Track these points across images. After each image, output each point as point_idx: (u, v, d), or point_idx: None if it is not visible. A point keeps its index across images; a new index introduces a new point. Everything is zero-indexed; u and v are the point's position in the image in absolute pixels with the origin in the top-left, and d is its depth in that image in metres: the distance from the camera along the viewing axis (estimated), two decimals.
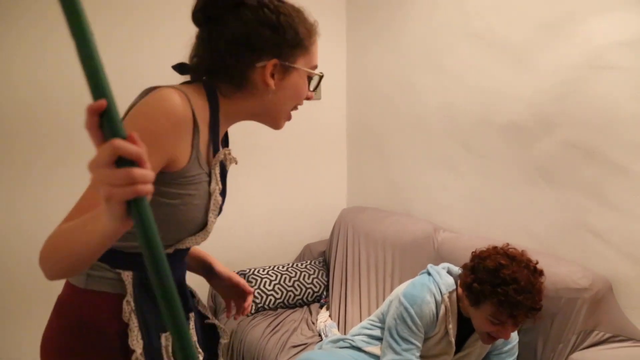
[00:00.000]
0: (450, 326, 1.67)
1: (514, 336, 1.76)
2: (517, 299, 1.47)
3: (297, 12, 1.07)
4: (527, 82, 2.03)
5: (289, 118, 1.11)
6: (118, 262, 0.99)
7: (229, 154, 1.08)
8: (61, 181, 2.17)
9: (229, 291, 1.38)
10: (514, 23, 2.05)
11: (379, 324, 1.83)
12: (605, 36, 1.76)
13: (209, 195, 1.03)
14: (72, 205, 0.83)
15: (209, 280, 1.39)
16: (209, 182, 1.03)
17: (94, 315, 1.00)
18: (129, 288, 0.99)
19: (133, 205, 0.59)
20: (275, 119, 1.10)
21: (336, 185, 3.13)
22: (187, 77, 1.07)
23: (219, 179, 1.05)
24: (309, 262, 2.75)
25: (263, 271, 2.58)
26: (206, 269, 1.37)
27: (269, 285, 2.52)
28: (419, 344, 1.65)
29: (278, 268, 2.64)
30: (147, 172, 0.59)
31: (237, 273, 2.56)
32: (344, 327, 2.35)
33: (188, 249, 1.08)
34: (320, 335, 2.30)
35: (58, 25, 2.23)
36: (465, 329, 1.71)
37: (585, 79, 1.84)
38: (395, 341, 1.65)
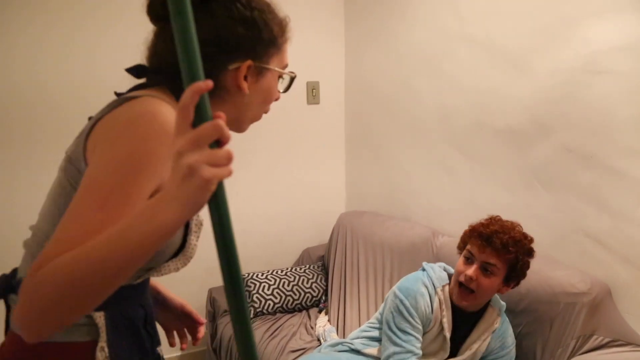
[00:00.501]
0: (445, 320, 1.68)
1: (511, 341, 1.76)
2: (491, 229, 1.60)
3: (269, 6, 0.95)
4: (524, 86, 2.03)
5: (258, 119, 1.01)
6: None
7: None
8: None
9: (178, 321, 1.22)
10: (510, 27, 2.06)
11: (378, 325, 1.84)
12: (601, 40, 1.77)
13: None
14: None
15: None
16: None
17: None
18: (102, 331, 0.86)
19: (218, 189, 0.60)
20: (241, 124, 0.99)
21: (335, 190, 3.13)
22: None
23: None
24: (307, 266, 2.75)
25: (262, 275, 2.58)
26: (154, 297, 1.18)
27: (268, 289, 2.52)
28: (418, 336, 1.66)
29: (277, 272, 2.64)
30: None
31: None
32: (342, 331, 2.35)
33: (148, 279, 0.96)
34: (319, 339, 2.29)
35: (58, 19, 2.23)
36: (461, 331, 1.71)
37: (581, 83, 1.84)
38: (394, 333, 1.66)
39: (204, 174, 0.57)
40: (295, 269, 2.70)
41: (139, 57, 0.94)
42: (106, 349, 0.87)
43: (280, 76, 0.98)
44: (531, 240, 1.65)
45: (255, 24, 0.90)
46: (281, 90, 1.01)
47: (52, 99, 2.24)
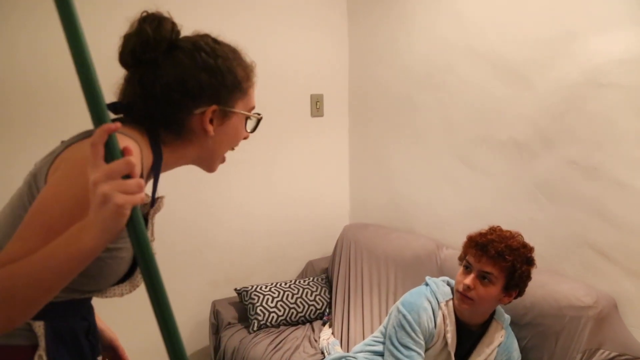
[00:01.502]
0: (449, 335, 1.67)
1: (516, 355, 1.75)
2: (488, 238, 1.61)
3: (234, 52, 1.01)
4: (528, 99, 2.04)
5: (223, 160, 1.07)
6: None
7: (162, 201, 1.04)
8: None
9: (104, 351, 1.23)
10: (513, 40, 2.07)
11: (382, 339, 1.83)
12: (604, 54, 1.78)
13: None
14: None
15: None
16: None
17: None
18: (41, 340, 0.90)
19: (133, 213, 0.70)
20: (211, 163, 1.06)
21: (338, 202, 3.13)
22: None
23: (153, 229, 1.00)
24: (311, 278, 2.75)
25: (265, 288, 2.57)
26: (108, 341, 1.26)
27: (272, 302, 2.51)
28: (420, 351, 1.65)
29: (280, 285, 2.63)
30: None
31: (240, 290, 2.55)
32: (346, 344, 2.33)
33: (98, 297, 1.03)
34: (322, 353, 2.28)
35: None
36: (465, 346, 1.70)
37: (585, 96, 1.85)
38: (396, 348, 1.66)
39: (117, 201, 0.67)
40: (299, 282, 2.69)
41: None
42: (44, 357, 0.91)
43: (247, 118, 1.05)
44: (531, 250, 1.64)
45: (218, 71, 0.96)
46: (249, 131, 1.07)
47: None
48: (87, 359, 1.01)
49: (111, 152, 0.69)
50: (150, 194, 1.02)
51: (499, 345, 1.69)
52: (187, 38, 0.98)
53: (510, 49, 2.09)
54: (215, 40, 1.00)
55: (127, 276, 0.99)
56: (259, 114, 1.07)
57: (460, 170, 2.38)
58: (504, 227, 1.69)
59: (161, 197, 1.05)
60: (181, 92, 0.93)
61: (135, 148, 0.84)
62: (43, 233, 0.76)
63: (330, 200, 3.09)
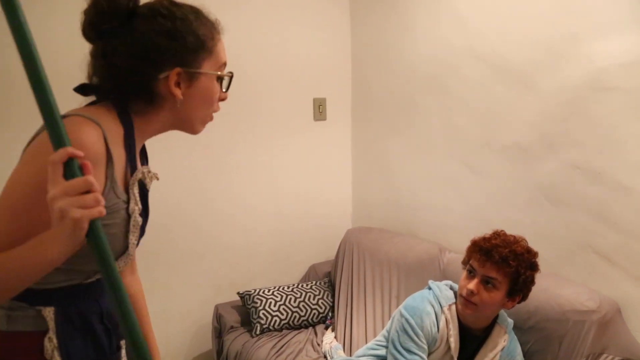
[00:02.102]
0: (452, 339, 1.66)
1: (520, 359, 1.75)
2: (492, 243, 1.60)
3: (196, 13, 1.00)
4: (530, 103, 2.04)
5: (209, 120, 1.06)
6: (37, 299, 0.95)
7: (148, 172, 1.03)
8: None
9: None
10: (516, 44, 2.07)
11: (385, 343, 1.83)
12: (607, 57, 1.78)
13: (128, 218, 0.98)
14: None
15: None
16: (127, 208, 0.98)
17: (16, 358, 0.95)
18: (51, 324, 0.95)
19: (92, 225, 0.74)
20: (191, 127, 1.05)
21: (341, 206, 3.13)
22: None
23: (138, 199, 1.00)
24: (314, 282, 2.74)
25: (268, 292, 2.57)
26: None
27: (274, 306, 2.51)
28: (423, 355, 1.65)
29: (283, 288, 2.63)
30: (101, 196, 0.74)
31: (242, 293, 2.56)
32: (349, 348, 2.33)
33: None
34: (325, 357, 2.28)
35: None
36: (468, 350, 1.70)
37: (588, 99, 1.84)
38: (399, 352, 1.66)
39: (73, 215, 0.71)
40: (302, 285, 2.69)
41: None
42: (55, 340, 0.95)
43: (219, 77, 1.03)
44: (535, 255, 1.63)
45: (178, 34, 0.95)
46: (224, 90, 1.06)
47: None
48: (101, 342, 1.03)
49: (70, 169, 0.73)
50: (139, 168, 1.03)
51: (502, 349, 1.69)
52: (145, 4, 0.98)
53: (512, 52, 2.09)
54: (173, 3, 0.99)
55: (124, 250, 1.02)
56: (230, 73, 1.06)
57: (463, 174, 2.38)
58: (507, 231, 1.69)
59: (141, 168, 1.03)
60: (141, 58, 0.94)
61: (90, 130, 0.87)
62: (8, 216, 0.82)
63: (333, 203, 3.09)
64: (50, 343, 0.94)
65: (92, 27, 0.94)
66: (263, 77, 2.72)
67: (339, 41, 2.98)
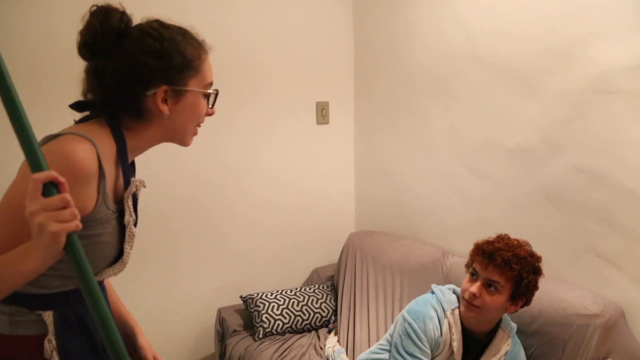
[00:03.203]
0: (455, 344, 1.66)
1: None
2: (495, 247, 1.60)
3: (184, 34, 1.06)
4: (534, 106, 2.04)
5: (194, 134, 1.13)
6: (36, 304, 1.00)
7: (139, 183, 1.09)
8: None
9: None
10: (519, 47, 2.07)
11: (388, 347, 1.83)
12: (610, 60, 1.77)
13: (120, 228, 1.05)
14: None
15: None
16: (118, 218, 1.04)
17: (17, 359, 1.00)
18: (50, 327, 1.00)
19: (70, 239, 0.78)
20: (181, 139, 1.11)
21: (344, 209, 3.13)
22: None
23: (132, 210, 1.06)
24: (317, 286, 2.74)
25: (271, 295, 2.57)
26: (128, 337, 1.30)
27: (277, 309, 2.51)
28: None
29: (286, 292, 2.63)
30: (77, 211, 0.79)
31: (245, 297, 2.55)
32: (352, 352, 2.33)
33: (102, 280, 1.11)
34: None
35: None
36: (472, 354, 1.69)
37: (591, 102, 1.84)
38: (402, 357, 1.66)
39: (52, 229, 0.75)
40: (305, 289, 2.69)
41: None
42: (54, 342, 1.00)
43: (205, 94, 1.09)
44: (538, 259, 1.63)
45: (165, 54, 1.02)
46: (210, 106, 1.12)
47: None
48: (95, 341, 1.08)
49: (48, 188, 0.78)
50: (129, 180, 1.08)
51: (505, 353, 1.68)
52: (136, 26, 1.04)
53: (516, 55, 2.09)
54: (162, 24, 1.05)
55: (118, 257, 1.08)
56: (215, 90, 1.12)
57: (466, 178, 2.38)
58: (511, 235, 1.68)
59: (134, 180, 1.09)
60: (130, 77, 0.99)
61: (83, 147, 0.92)
62: (5, 223, 0.88)
63: (335, 207, 3.09)
64: (50, 344, 1.00)
65: (86, 46, 1.00)
66: (266, 80, 2.73)
67: (342, 45, 2.98)
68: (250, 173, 2.76)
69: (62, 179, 0.78)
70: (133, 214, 1.06)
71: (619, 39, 1.75)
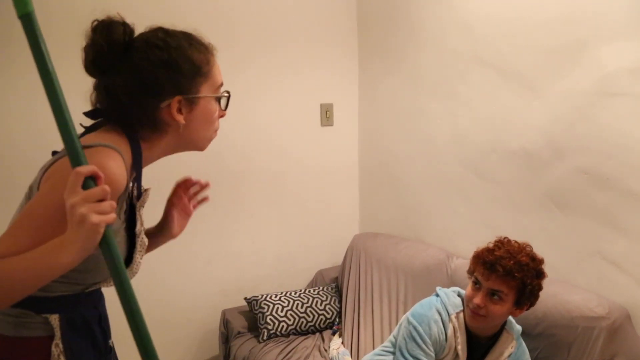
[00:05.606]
0: (460, 347, 1.65)
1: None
2: (495, 255, 1.57)
3: (189, 39, 1.04)
4: (538, 109, 2.03)
5: (214, 136, 1.11)
6: (43, 307, 1.00)
7: (148, 193, 1.10)
8: None
9: (177, 212, 1.27)
10: (524, 50, 2.07)
11: (392, 349, 1.82)
12: (615, 63, 1.77)
13: (127, 236, 1.05)
14: None
15: (162, 231, 1.28)
16: (127, 227, 1.04)
17: None
18: (57, 331, 1.00)
19: (105, 231, 0.81)
20: (196, 146, 1.10)
21: (348, 211, 3.13)
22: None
23: (143, 220, 1.05)
24: (321, 288, 2.74)
25: (275, 297, 2.58)
26: (159, 227, 1.28)
27: (281, 311, 2.51)
28: None
29: (290, 294, 2.63)
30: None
31: (250, 299, 2.56)
32: (356, 354, 2.32)
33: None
34: None
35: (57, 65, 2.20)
36: (476, 356, 1.69)
37: (596, 105, 1.84)
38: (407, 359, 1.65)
39: (93, 220, 0.78)
40: (309, 291, 2.69)
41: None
42: (61, 345, 1.00)
43: (217, 98, 1.08)
44: (540, 262, 1.61)
45: (174, 64, 0.99)
46: (223, 109, 1.11)
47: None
48: (99, 343, 1.10)
49: (88, 181, 0.80)
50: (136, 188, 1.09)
51: (509, 356, 1.68)
52: (140, 36, 1.02)
53: (520, 58, 2.08)
54: (166, 32, 1.03)
55: (127, 264, 1.07)
56: (227, 92, 1.11)
57: (470, 180, 2.38)
58: (515, 237, 1.67)
59: (147, 190, 1.11)
60: (142, 92, 0.98)
61: (117, 160, 0.92)
62: (32, 232, 0.86)
63: (340, 209, 3.09)
64: (57, 348, 1.00)
65: (93, 63, 0.99)
66: (268, 81, 2.74)
67: (346, 47, 2.99)
68: (254, 175, 2.76)
69: (101, 174, 0.81)
70: (143, 224, 1.06)
71: (623, 41, 1.74)
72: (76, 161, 0.81)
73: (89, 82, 1.04)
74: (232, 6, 2.58)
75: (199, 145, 1.10)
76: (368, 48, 2.95)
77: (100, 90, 1.01)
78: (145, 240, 1.07)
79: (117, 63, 0.98)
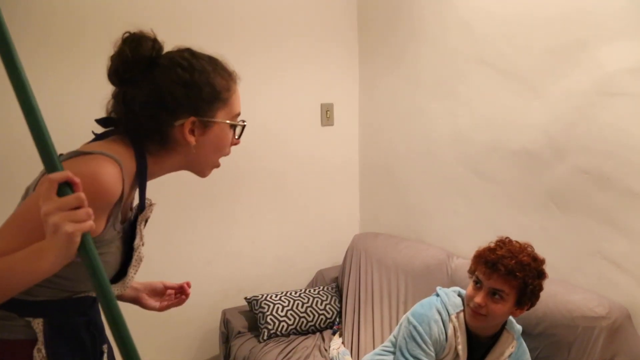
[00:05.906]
0: (460, 347, 1.65)
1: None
2: (497, 255, 1.57)
3: (214, 64, 1.05)
4: (539, 108, 2.03)
5: (216, 166, 1.12)
6: (27, 311, 0.98)
7: (150, 204, 1.10)
8: None
9: (151, 295, 1.32)
10: (524, 50, 2.07)
11: (392, 349, 1.82)
12: (615, 63, 1.77)
13: (123, 248, 1.04)
14: None
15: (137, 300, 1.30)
16: (122, 237, 1.03)
17: None
18: (40, 335, 0.98)
19: (83, 239, 0.78)
20: (200, 170, 1.10)
21: (349, 211, 3.13)
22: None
23: (142, 234, 1.05)
24: (321, 288, 2.74)
25: (275, 297, 2.58)
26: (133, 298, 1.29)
27: (282, 311, 2.51)
28: None
29: (290, 294, 2.63)
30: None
31: (250, 299, 2.56)
32: (357, 354, 2.32)
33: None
34: None
35: (52, 69, 2.18)
36: (475, 355, 1.69)
37: (596, 105, 1.84)
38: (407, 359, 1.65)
39: (67, 229, 0.75)
40: (309, 291, 2.69)
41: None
42: (43, 350, 0.98)
43: (232, 125, 1.08)
44: (542, 262, 1.61)
45: (195, 85, 1.01)
46: (236, 137, 1.11)
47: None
48: (87, 350, 1.07)
49: (63, 188, 0.77)
50: (139, 201, 1.08)
51: (509, 356, 1.68)
52: (167, 54, 1.03)
53: (520, 58, 2.08)
54: (193, 54, 1.04)
55: (120, 277, 1.06)
56: (243, 121, 1.11)
57: (470, 180, 2.37)
58: (516, 237, 1.67)
59: (150, 204, 1.10)
60: (158, 107, 0.99)
61: (112, 169, 0.91)
62: (20, 233, 0.86)
63: (340, 209, 3.09)
64: (39, 353, 0.98)
65: (116, 72, 1.00)
66: (268, 81, 2.74)
67: (347, 47, 2.99)
68: (255, 175, 2.76)
69: (77, 180, 0.78)
70: (143, 238, 1.05)
71: (623, 41, 1.74)
72: (50, 167, 0.78)
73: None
74: (232, 6, 2.58)
75: (203, 170, 1.10)
76: (368, 48, 2.95)
77: (118, 99, 1.02)
78: (142, 255, 1.06)
79: (139, 76, 0.99)
